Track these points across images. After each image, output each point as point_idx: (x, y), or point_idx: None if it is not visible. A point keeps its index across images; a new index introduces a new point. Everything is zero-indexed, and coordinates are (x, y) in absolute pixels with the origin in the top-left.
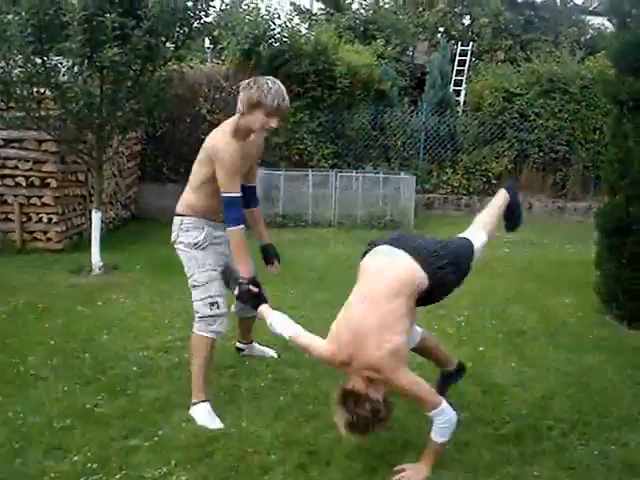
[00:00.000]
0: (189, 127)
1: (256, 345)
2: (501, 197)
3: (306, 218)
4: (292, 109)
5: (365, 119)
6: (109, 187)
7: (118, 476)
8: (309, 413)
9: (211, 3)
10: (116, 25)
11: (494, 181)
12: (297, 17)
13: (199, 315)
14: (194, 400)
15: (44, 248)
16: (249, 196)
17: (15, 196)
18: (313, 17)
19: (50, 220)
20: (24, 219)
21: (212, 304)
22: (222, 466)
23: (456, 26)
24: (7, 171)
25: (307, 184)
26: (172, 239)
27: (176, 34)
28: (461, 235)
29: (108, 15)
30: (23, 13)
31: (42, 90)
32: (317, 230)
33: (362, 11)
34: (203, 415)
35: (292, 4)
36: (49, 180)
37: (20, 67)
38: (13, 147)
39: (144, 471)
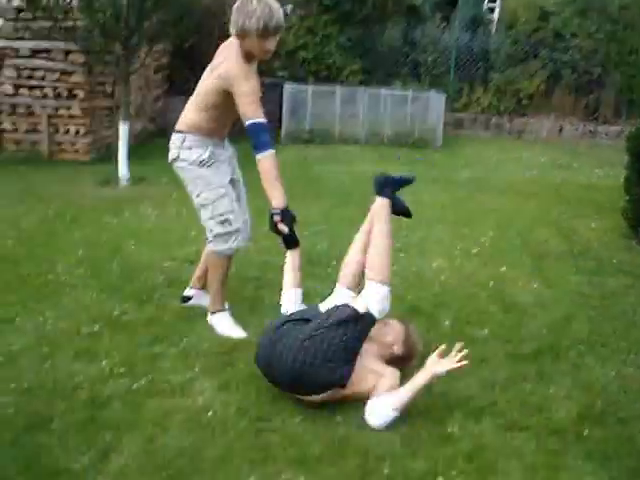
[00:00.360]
0: (216, 39)
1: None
2: (381, 210)
3: (334, 135)
4: (321, 23)
5: (396, 34)
6: (136, 99)
7: (143, 381)
8: None
9: None
10: None
11: (525, 101)
12: None
13: (213, 234)
14: (212, 309)
15: (72, 159)
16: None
17: (43, 107)
18: None
19: (78, 132)
20: (52, 130)
21: (223, 222)
22: (244, 373)
23: None
24: (34, 82)
25: (335, 100)
26: (171, 157)
27: None
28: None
29: None
30: None
31: (69, 0)
32: (344, 147)
33: None
34: (222, 323)
35: None
36: (76, 91)
37: None
38: (40, 58)
39: (169, 376)
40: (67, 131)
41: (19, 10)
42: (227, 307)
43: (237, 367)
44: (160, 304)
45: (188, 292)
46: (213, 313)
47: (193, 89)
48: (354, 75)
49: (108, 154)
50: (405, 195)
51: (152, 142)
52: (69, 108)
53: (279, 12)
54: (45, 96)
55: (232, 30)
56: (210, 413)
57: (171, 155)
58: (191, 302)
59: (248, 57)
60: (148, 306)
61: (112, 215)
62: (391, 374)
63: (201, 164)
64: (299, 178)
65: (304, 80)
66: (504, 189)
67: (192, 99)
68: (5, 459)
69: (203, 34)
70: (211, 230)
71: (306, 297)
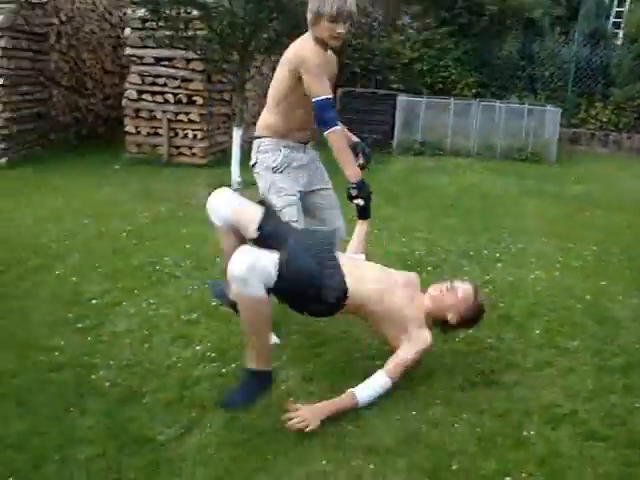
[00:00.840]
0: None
1: None
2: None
3: (445, 147)
4: (438, 35)
5: (513, 48)
6: (253, 107)
7: (233, 365)
8: None
9: None
10: None
11: None
12: None
13: None
14: None
15: (189, 162)
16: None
17: (164, 112)
18: None
19: (195, 136)
20: (171, 134)
21: None
22: (329, 366)
23: None
24: (157, 88)
25: (448, 112)
26: (250, 163)
27: None
28: None
29: None
30: None
31: (189, 10)
32: (455, 159)
33: None
34: None
35: None
36: (196, 98)
37: None
38: (163, 65)
39: None
40: (185, 135)
41: (144, 20)
42: None
43: (323, 359)
44: None
45: None
46: None
47: None
48: (469, 88)
49: (224, 159)
50: (510, 207)
51: None
52: (188, 114)
53: (352, 1)
54: (166, 102)
55: (308, 17)
56: (291, 399)
57: (251, 162)
58: None
59: (319, 43)
60: None
61: None
62: (415, 343)
63: (274, 170)
64: (407, 187)
65: (419, 92)
66: (616, 205)
67: (267, 102)
68: (98, 426)
69: None
70: None
71: None
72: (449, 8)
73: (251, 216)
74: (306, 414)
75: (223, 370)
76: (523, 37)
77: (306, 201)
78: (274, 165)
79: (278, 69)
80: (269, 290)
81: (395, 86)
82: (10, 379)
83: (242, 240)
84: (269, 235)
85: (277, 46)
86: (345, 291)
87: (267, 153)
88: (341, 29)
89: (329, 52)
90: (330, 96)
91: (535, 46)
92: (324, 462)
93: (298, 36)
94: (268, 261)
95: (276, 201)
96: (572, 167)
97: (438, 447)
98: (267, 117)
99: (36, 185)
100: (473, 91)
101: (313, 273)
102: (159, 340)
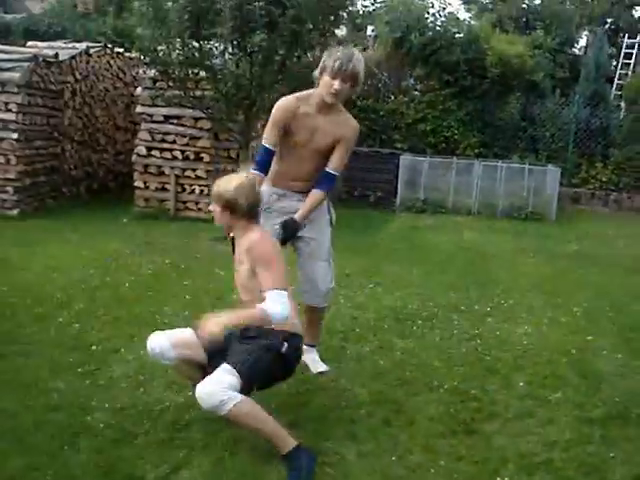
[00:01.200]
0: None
1: (314, 354)
2: None
3: (447, 205)
4: (441, 97)
5: (514, 109)
6: None
7: None
8: (405, 378)
9: None
10: (263, 13)
11: None
12: (463, 5)
13: None
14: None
15: (195, 217)
16: (322, 179)
17: (172, 168)
18: (477, 6)
19: (202, 192)
20: (179, 189)
21: None
22: (315, 414)
23: (624, 18)
24: (166, 145)
25: (450, 172)
26: None
27: (321, 22)
28: None
29: (256, 3)
30: (181, 1)
31: (197, 71)
32: (455, 217)
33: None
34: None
35: None
36: (203, 155)
37: (178, 50)
38: (172, 123)
39: None
40: (192, 191)
41: (155, 80)
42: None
43: (309, 407)
44: None
45: None
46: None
47: None
48: (472, 148)
49: None
50: (505, 264)
51: None
52: (195, 170)
53: (360, 62)
54: (174, 158)
55: (315, 72)
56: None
57: None
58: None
59: (317, 98)
60: None
61: (222, 268)
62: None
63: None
64: (406, 244)
65: (423, 152)
66: (610, 263)
67: None
68: (90, 464)
69: None
70: None
71: (388, 350)
72: (452, 71)
73: (192, 344)
74: (210, 321)
75: (213, 415)
76: (525, 99)
77: (293, 244)
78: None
79: None
80: (242, 390)
81: (399, 145)
82: (10, 419)
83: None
84: (217, 350)
85: None
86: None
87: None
88: (337, 85)
89: (343, 116)
90: (265, 144)
91: (536, 108)
92: None
93: None
94: (223, 374)
95: None
96: (571, 226)
97: None
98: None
99: (46, 236)
100: (476, 151)
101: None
102: (154, 385)
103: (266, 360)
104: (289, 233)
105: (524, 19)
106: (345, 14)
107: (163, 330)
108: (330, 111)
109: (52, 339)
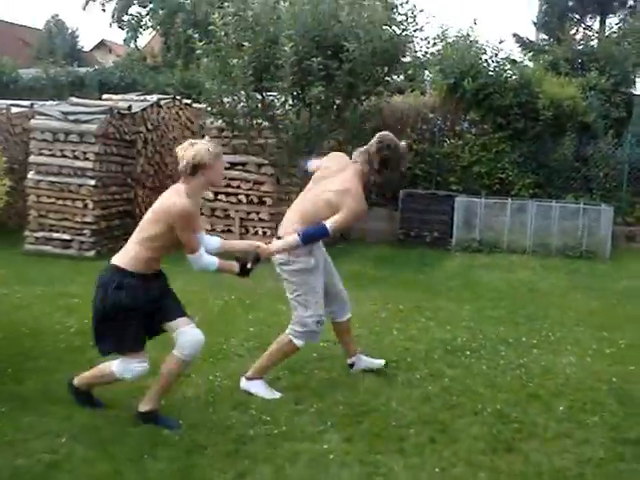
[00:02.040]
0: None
1: (363, 357)
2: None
3: (501, 244)
4: (495, 140)
5: (567, 150)
6: None
7: (284, 428)
8: (452, 403)
9: (409, 45)
10: (321, 67)
11: None
12: (519, 48)
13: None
14: (251, 375)
15: None
16: None
17: (237, 211)
18: (534, 48)
19: (265, 233)
20: (243, 231)
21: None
22: (367, 432)
23: None
24: (231, 190)
25: (505, 212)
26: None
27: (375, 73)
28: None
29: (314, 59)
30: (246, 57)
31: (260, 122)
32: (510, 256)
33: (580, 41)
34: (260, 388)
35: (515, 35)
36: (266, 198)
37: (243, 102)
38: (237, 169)
39: (305, 427)
40: (256, 232)
41: (221, 129)
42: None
43: (361, 426)
44: (309, 374)
45: (350, 360)
46: (250, 379)
47: (373, 201)
48: (526, 189)
49: None
50: (556, 300)
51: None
52: (259, 213)
53: None
54: (239, 202)
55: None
56: (332, 456)
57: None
58: (355, 367)
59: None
60: (299, 375)
61: (283, 303)
62: None
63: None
64: (460, 282)
65: (477, 193)
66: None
67: None
68: (167, 470)
69: None
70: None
71: (437, 378)
72: (505, 114)
73: None
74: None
75: (275, 431)
76: (577, 140)
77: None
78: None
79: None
80: None
81: (454, 187)
82: (96, 431)
83: None
84: None
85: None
86: None
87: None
88: None
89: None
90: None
91: (589, 148)
92: None
93: (358, 145)
94: None
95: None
96: (624, 264)
97: None
98: None
99: None
100: (530, 191)
101: None
102: (221, 406)
103: None
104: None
105: (579, 60)
106: (397, 65)
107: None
108: None
109: None
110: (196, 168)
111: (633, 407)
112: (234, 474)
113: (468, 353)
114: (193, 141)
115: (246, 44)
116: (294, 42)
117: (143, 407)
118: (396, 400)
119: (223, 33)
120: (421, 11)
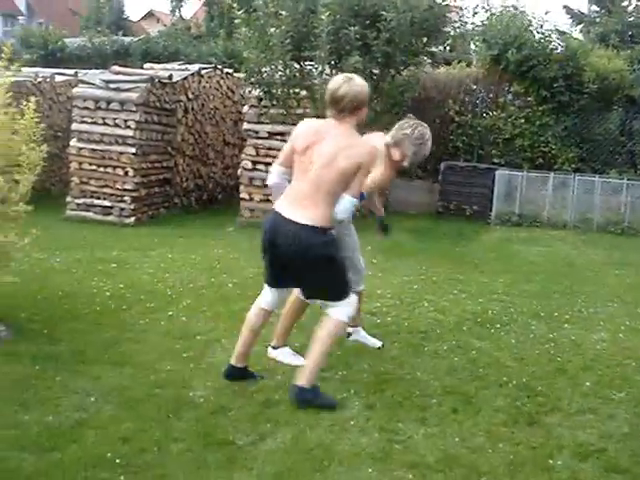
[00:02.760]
0: (439, 128)
1: (362, 332)
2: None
3: (542, 219)
4: (538, 112)
5: (612, 124)
6: None
7: None
8: (478, 374)
9: (449, 15)
10: (358, 36)
11: None
12: (570, 20)
13: None
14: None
15: None
16: None
17: None
18: (584, 20)
19: None
20: None
21: None
22: (389, 400)
23: None
24: (270, 159)
25: (547, 186)
26: None
27: (414, 43)
28: None
29: (352, 28)
30: (283, 27)
31: (298, 91)
32: (550, 231)
33: (633, 13)
34: (286, 356)
35: (565, 7)
36: None
37: (281, 72)
38: (275, 139)
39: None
40: None
41: (260, 99)
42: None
43: (384, 394)
44: (337, 341)
45: (350, 329)
46: (275, 348)
47: (414, 172)
48: (569, 163)
49: None
50: (593, 275)
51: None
52: None
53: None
54: None
55: None
56: (352, 422)
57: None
58: (352, 338)
59: None
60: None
61: None
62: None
63: None
64: (496, 255)
65: (519, 166)
66: None
67: None
68: (190, 430)
69: (426, 123)
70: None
71: (465, 349)
72: (549, 87)
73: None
74: None
75: None
76: (623, 114)
77: None
78: None
79: None
80: None
81: (496, 160)
82: (124, 391)
83: None
84: None
85: (376, 123)
86: None
87: None
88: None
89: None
90: None
91: (636, 122)
92: (370, 470)
93: (396, 115)
94: None
95: None
96: None
97: (472, 468)
98: None
99: (159, 242)
100: (573, 166)
101: None
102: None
103: None
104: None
105: (629, 33)
106: (438, 35)
107: None
108: None
109: (162, 329)
110: (357, 107)
111: None
112: (255, 436)
113: (498, 326)
114: (349, 75)
115: (284, 13)
116: (331, 11)
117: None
118: (421, 370)
119: (262, 2)
120: None
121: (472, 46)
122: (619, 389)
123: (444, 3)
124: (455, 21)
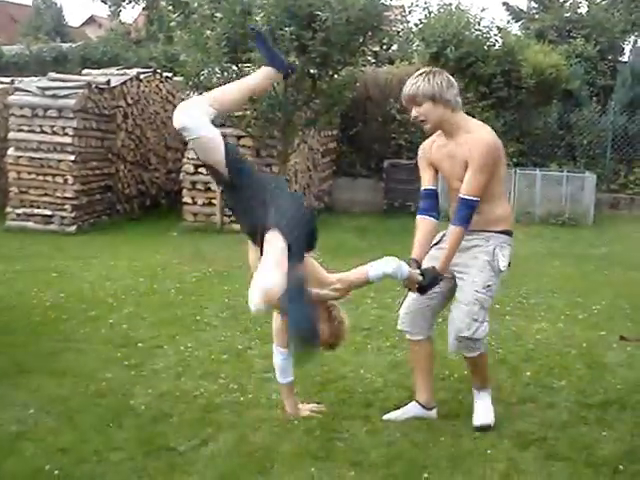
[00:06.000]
0: (380, 126)
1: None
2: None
3: None
4: (478, 108)
5: (551, 118)
6: (302, 179)
7: (250, 396)
8: None
9: (385, 14)
10: (294, 37)
11: None
12: (509, 17)
13: None
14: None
15: (239, 230)
16: (455, 209)
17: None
18: (523, 17)
19: None
20: (224, 204)
21: None
22: (333, 398)
23: None
24: None
25: None
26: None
27: (350, 42)
28: None
29: (287, 29)
30: (219, 29)
31: None
32: None
33: (567, 8)
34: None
35: (504, 4)
36: None
37: (218, 74)
38: None
39: (270, 396)
40: None
41: None
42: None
43: (328, 393)
44: None
45: None
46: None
47: (358, 171)
48: (510, 157)
49: None
50: (534, 267)
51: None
52: None
53: (411, 84)
54: None
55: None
56: (296, 422)
57: None
58: None
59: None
60: (270, 344)
61: None
62: None
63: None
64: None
65: None
66: (636, 264)
67: None
68: (131, 438)
69: (368, 121)
70: None
71: (407, 346)
72: (488, 83)
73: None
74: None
75: (241, 399)
76: (561, 108)
77: None
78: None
79: None
80: None
81: None
82: (63, 402)
83: None
84: None
85: (313, 123)
86: None
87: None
88: (413, 113)
89: (467, 134)
90: (422, 188)
91: (573, 116)
92: (313, 469)
93: (336, 115)
94: None
95: None
96: (605, 231)
97: (414, 462)
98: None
99: (100, 250)
100: (514, 160)
101: None
102: (190, 375)
103: None
104: (428, 281)
105: (567, 28)
106: (374, 34)
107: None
108: (454, 135)
109: (103, 337)
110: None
111: (599, 371)
112: (197, 441)
113: (440, 320)
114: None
115: (219, 15)
116: (266, 12)
117: None
118: (365, 367)
119: (196, 4)
120: None
121: (413, 45)
122: (559, 378)
123: (380, 1)
124: (394, 20)
